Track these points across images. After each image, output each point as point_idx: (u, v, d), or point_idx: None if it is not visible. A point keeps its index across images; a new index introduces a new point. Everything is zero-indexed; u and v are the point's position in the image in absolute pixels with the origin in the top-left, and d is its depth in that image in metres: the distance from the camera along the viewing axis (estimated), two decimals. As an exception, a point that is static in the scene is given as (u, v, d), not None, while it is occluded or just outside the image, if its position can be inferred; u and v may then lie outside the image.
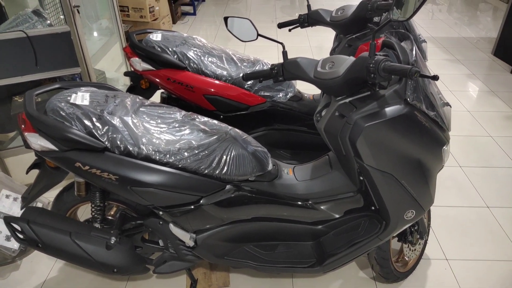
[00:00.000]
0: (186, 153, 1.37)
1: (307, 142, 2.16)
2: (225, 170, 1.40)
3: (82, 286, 1.82)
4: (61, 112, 1.32)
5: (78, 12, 2.08)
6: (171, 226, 1.47)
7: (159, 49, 1.93)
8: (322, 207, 1.55)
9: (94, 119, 1.32)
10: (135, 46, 1.94)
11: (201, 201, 1.42)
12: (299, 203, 1.55)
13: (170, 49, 1.93)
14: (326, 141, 1.47)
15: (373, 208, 1.49)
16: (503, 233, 2.11)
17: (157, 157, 1.34)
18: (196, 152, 1.38)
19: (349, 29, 1.92)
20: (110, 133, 1.32)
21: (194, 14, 5.68)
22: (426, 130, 1.30)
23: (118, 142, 1.32)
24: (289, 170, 1.62)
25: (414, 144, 1.30)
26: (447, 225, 2.14)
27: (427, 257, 1.97)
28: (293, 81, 2.07)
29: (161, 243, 1.62)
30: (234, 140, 1.45)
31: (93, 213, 1.55)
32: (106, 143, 1.31)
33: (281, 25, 2.14)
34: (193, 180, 1.37)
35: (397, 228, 1.47)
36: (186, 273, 1.82)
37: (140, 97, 1.55)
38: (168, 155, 1.35)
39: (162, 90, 2.11)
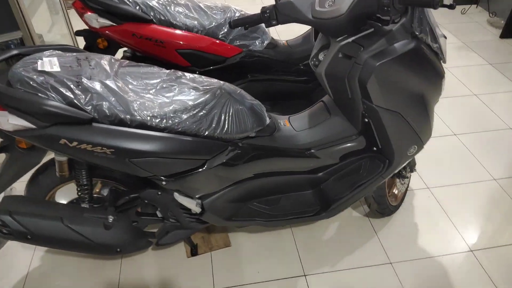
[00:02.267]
0: (184, 115, 1.24)
1: (286, 91, 2.09)
2: (225, 128, 1.30)
3: (72, 273, 1.68)
4: (31, 83, 1.11)
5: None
6: (176, 195, 1.37)
7: (118, 0, 1.69)
8: (323, 154, 1.52)
9: (72, 87, 1.13)
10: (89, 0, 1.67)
11: (206, 165, 1.31)
12: (301, 153, 1.50)
13: (130, 0, 1.70)
14: (326, 86, 1.41)
15: (374, 148, 1.49)
16: (472, 157, 2.26)
17: (154, 123, 1.20)
18: (194, 112, 1.25)
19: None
20: (94, 101, 1.14)
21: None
22: (430, 63, 1.28)
23: (106, 111, 1.15)
24: (285, 121, 1.55)
25: (420, 79, 1.29)
26: (422, 157, 2.24)
27: (411, 188, 2.07)
28: (267, 28, 1.94)
29: (159, 214, 1.52)
30: (229, 96, 1.34)
31: (79, 193, 1.39)
32: (93, 112, 1.14)
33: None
34: (196, 143, 1.26)
35: (400, 165, 1.49)
36: (184, 241, 1.74)
37: (115, 57, 1.36)
38: (165, 120, 1.21)
39: (124, 49, 1.89)
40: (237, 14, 1.85)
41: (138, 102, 1.19)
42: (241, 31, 1.85)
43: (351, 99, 1.33)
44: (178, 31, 1.73)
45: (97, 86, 1.16)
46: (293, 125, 1.53)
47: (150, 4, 1.71)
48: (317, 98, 2.13)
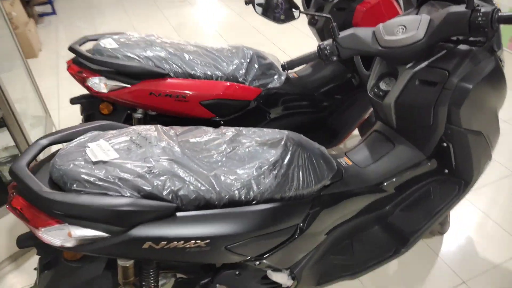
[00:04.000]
0: (266, 179, 1.06)
1: (304, 123, 1.97)
2: (306, 182, 1.14)
3: None
4: (92, 180, 0.87)
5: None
6: (269, 272, 1.16)
7: (125, 58, 1.47)
8: (392, 186, 1.41)
9: (145, 174, 0.91)
10: (91, 61, 1.43)
11: (298, 230, 1.14)
12: (371, 190, 1.38)
13: (139, 55, 1.49)
14: (391, 116, 1.31)
15: (446, 171, 1.41)
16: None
17: (242, 196, 1.01)
18: (275, 173, 1.08)
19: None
20: (174, 186, 0.93)
21: (53, 13, 4.72)
22: (504, 76, 1.24)
23: (191, 195, 0.94)
24: (345, 159, 1.42)
25: (496, 93, 1.24)
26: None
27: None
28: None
29: None
30: (299, 145, 1.19)
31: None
32: (175, 200, 0.92)
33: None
34: (287, 208, 1.09)
35: (475, 183, 1.43)
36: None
37: (160, 126, 1.15)
38: (251, 190, 1.02)
39: (137, 110, 1.64)
40: (250, 53, 1.71)
41: (218, 176, 0.99)
42: (259, 71, 1.71)
43: (431, 125, 1.24)
44: (199, 82, 1.54)
45: (171, 167, 0.95)
46: (355, 162, 1.41)
47: (162, 55, 1.51)
48: (333, 125, 2.05)
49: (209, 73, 1.57)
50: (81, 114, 1.64)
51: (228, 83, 1.58)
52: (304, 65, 2.02)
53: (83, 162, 0.91)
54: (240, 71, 1.64)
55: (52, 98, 2.93)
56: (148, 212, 0.88)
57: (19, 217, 0.89)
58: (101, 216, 0.85)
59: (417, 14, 1.34)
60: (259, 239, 1.03)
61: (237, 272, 1.19)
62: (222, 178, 0.99)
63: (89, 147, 0.96)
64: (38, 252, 1.01)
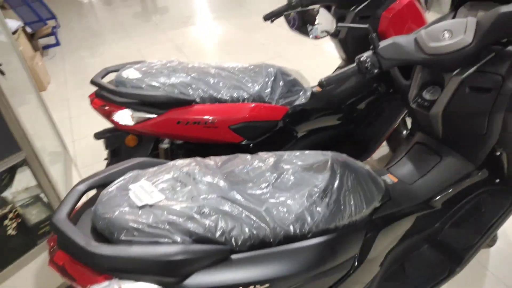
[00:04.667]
0: (319, 208, 0.98)
1: (332, 137, 1.90)
2: (358, 207, 1.06)
3: None
4: (141, 228, 0.80)
5: (3, 73, 1.37)
6: None
7: (149, 87, 1.41)
8: (441, 201, 1.33)
9: (196, 216, 0.84)
10: (115, 94, 1.38)
11: (355, 262, 1.05)
12: (421, 208, 1.29)
13: (163, 83, 1.43)
14: (438, 126, 1.24)
15: (497, 181, 1.33)
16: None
17: (297, 230, 0.93)
18: (327, 200, 1.00)
19: (355, 0, 1.68)
20: (226, 226, 0.85)
21: (57, 44, 4.73)
22: None
23: (243, 233, 0.87)
24: (389, 176, 1.34)
25: None
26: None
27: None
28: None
29: None
30: (345, 166, 1.11)
31: None
32: (230, 242, 0.85)
33: (267, 17, 1.79)
34: (344, 238, 1.01)
35: (529, 190, 1.34)
36: None
37: (199, 158, 1.08)
38: (305, 222, 0.94)
39: (163, 140, 1.58)
40: (273, 70, 1.65)
41: (270, 210, 0.92)
42: (285, 88, 1.64)
43: (484, 134, 1.16)
44: (227, 106, 1.48)
45: (221, 204, 0.88)
46: (401, 179, 1.33)
47: (187, 82, 1.45)
48: (362, 137, 1.98)
49: (235, 95, 1.50)
50: (106, 149, 1.58)
51: (255, 104, 1.51)
52: None
53: (128, 208, 0.84)
54: (266, 91, 1.57)
55: (66, 132, 2.88)
56: (203, 259, 0.81)
57: (62, 274, 0.82)
58: (154, 267, 0.77)
59: (454, 17, 1.27)
60: (319, 277, 0.94)
61: None
62: (275, 212, 0.92)
63: (131, 189, 0.89)
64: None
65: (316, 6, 1.45)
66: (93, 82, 1.43)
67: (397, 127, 2.08)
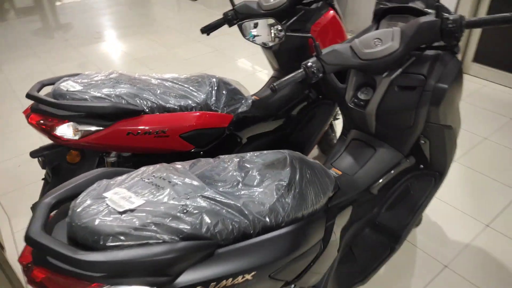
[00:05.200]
0: (288, 199, 1.06)
1: (271, 142, 2.01)
2: (317, 197, 1.17)
3: None
4: (130, 232, 0.79)
5: None
6: None
7: (94, 99, 1.36)
8: (377, 188, 1.50)
9: (181, 216, 0.85)
10: (57, 107, 1.30)
11: (322, 245, 1.14)
12: (363, 196, 1.45)
13: (109, 94, 1.39)
14: (371, 123, 1.41)
15: (421, 166, 1.54)
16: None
17: (272, 221, 0.99)
18: (293, 192, 1.09)
19: (284, 15, 1.82)
20: (210, 222, 0.88)
21: None
22: (462, 74, 1.41)
23: (226, 228, 0.90)
24: (334, 170, 1.48)
25: (461, 90, 1.40)
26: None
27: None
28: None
29: None
30: (301, 161, 1.21)
31: None
32: (215, 236, 0.88)
33: (205, 30, 1.84)
34: (312, 225, 1.10)
35: (447, 173, 1.57)
36: None
37: (165, 164, 1.08)
38: (278, 213, 1.01)
39: (109, 154, 1.52)
40: (215, 80, 1.70)
41: (247, 205, 0.97)
42: (228, 97, 1.71)
43: (412, 126, 1.35)
44: (177, 115, 1.49)
45: (203, 203, 0.90)
46: (344, 171, 1.47)
47: (133, 92, 1.43)
48: (298, 140, 2.12)
49: (183, 104, 1.52)
50: (43, 168, 1.47)
51: (204, 112, 1.55)
52: (262, 87, 2.08)
53: (109, 215, 0.82)
54: (212, 99, 1.62)
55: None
56: (193, 254, 0.82)
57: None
58: (147, 268, 0.77)
59: (377, 28, 1.47)
60: (296, 261, 1.01)
61: None
62: (251, 206, 0.97)
63: (107, 197, 0.87)
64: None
65: (253, 20, 1.56)
66: (29, 96, 1.34)
67: (326, 130, 2.27)
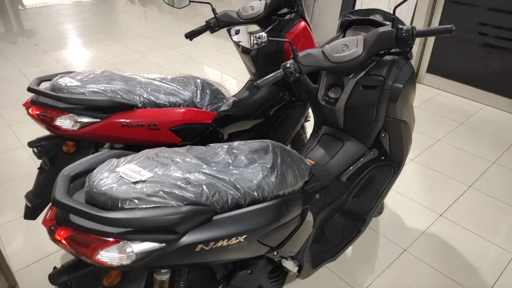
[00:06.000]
0: (272, 179, 1.23)
1: (253, 138, 2.18)
2: (295, 179, 1.35)
3: None
4: (142, 196, 0.93)
5: None
6: (284, 261, 1.30)
7: (91, 93, 1.48)
8: (346, 177, 1.70)
9: (185, 186, 1.00)
10: (57, 99, 1.41)
11: (300, 219, 1.32)
12: (334, 182, 1.64)
13: (105, 89, 1.52)
14: (340, 118, 1.61)
15: (382, 158, 1.76)
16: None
17: (260, 195, 1.16)
18: (276, 174, 1.26)
19: (261, 24, 2.01)
20: (210, 192, 1.04)
21: None
22: (415, 78, 1.65)
23: (223, 198, 1.06)
24: (308, 160, 1.66)
25: (414, 91, 1.63)
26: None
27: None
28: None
29: None
30: (281, 148, 1.39)
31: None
32: (215, 205, 1.03)
33: (188, 36, 2.00)
34: (292, 201, 1.27)
35: (404, 163, 1.80)
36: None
37: (170, 148, 1.23)
38: (264, 189, 1.18)
39: (102, 145, 1.63)
40: (199, 80, 1.86)
41: (238, 180, 1.13)
42: (211, 96, 1.87)
43: (373, 120, 1.57)
44: (168, 110, 1.63)
45: (202, 177, 1.06)
46: (317, 161, 1.66)
47: (127, 88, 1.57)
48: (272, 138, 2.31)
49: (172, 100, 1.67)
50: (39, 158, 1.56)
51: (191, 109, 1.70)
52: (241, 90, 2.25)
53: (124, 184, 0.95)
54: (197, 97, 1.77)
55: None
56: (196, 217, 0.97)
57: (68, 247, 0.89)
58: (159, 226, 0.91)
59: (344, 37, 1.68)
60: (279, 229, 1.18)
61: (249, 272, 1.30)
62: (242, 181, 1.13)
63: (120, 171, 1.00)
64: (74, 286, 0.98)
65: (235, 27, 1.74)
66: (30, 89, 1.44)
67: (298, 131, 2.47)
